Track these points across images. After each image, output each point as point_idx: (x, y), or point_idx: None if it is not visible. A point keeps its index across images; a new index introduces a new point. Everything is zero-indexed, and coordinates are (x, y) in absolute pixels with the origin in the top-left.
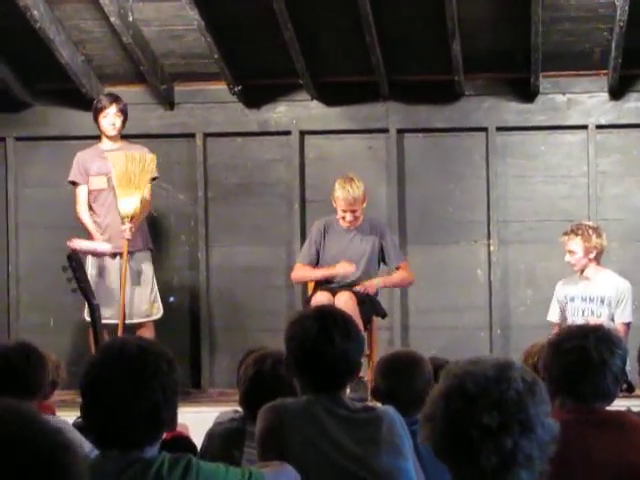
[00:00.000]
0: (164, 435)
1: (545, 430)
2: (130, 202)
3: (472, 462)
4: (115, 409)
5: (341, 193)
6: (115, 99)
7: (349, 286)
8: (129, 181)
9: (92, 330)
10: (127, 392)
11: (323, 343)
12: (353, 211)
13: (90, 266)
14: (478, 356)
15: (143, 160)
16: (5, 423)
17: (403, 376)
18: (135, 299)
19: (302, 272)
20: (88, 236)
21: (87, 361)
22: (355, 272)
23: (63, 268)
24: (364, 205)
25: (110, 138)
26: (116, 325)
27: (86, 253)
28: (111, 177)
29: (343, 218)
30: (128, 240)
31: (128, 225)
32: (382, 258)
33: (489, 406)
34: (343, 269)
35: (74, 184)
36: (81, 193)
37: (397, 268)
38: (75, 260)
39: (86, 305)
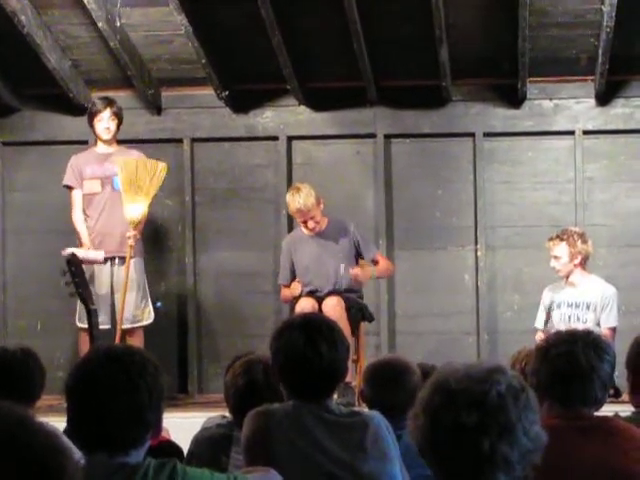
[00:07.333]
0: (150, 441)
1: (529, 438)
2: (137, 208)
3: (450, 461)
4: (101, 408)
5: (292, 206)
6: (109, 102)
7: (337, 292)
8: (138, 187)
9: (89, 335)
10: (113, 391)
11: (310, 355)
12: (311, 218)
13: None
14: (477, 361)
15: (154, 168)
16: (2, 424)
17: (390, 383)
18: (126, 304)
19: (284, 293)
20: (78, 241)
21: (74, 363)
22: (337, 276)
23: (62, 272)
24: (321, 207)
25: (105, 142)
26: (107, 330)
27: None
28: (105, 181)
29: (306, 227)
30: (131, 247)
31: (132, 232)
32: (358, 254)
33: (468, 404)
34: (294, 291)
35: (69, 188)
36: (76, 197)
37: (373, 261)
38: (75, 265)
39: (78, 310)
